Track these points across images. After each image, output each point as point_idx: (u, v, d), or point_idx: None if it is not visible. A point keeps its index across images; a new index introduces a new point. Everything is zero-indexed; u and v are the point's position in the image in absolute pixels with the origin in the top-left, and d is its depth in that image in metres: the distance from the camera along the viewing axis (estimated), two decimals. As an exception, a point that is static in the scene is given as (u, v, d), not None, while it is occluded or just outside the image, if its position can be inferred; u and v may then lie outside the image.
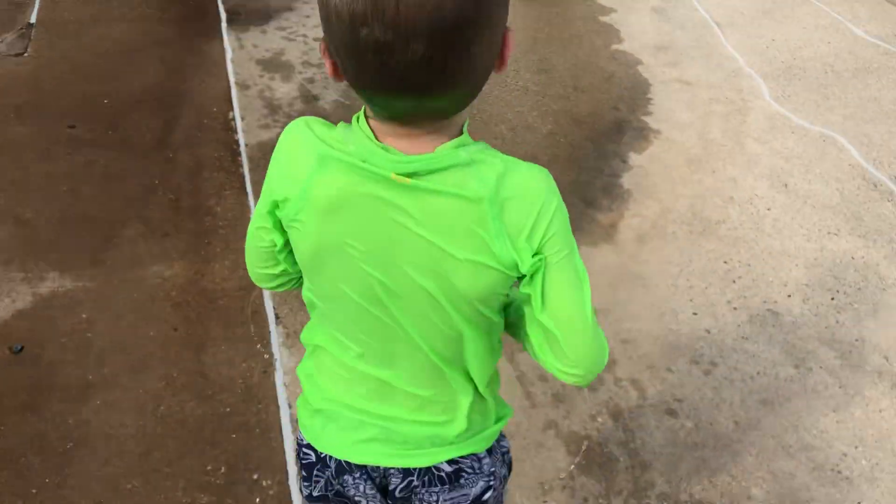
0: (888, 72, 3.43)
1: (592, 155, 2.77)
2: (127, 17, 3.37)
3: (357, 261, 0.79)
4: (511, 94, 3.08)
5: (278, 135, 0.83)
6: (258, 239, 0.89)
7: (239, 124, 2.78)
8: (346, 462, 0.94)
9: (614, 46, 3.48)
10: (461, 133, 0.77)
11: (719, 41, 3.59)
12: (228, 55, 3.19)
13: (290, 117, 2.79)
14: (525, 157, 0.84)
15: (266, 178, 0.83)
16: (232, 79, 3.03)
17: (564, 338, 0.80)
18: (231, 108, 2.89)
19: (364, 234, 0.78)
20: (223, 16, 3.45)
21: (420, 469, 0.93)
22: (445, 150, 0.74)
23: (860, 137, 2.97)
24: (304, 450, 0.98)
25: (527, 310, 0.83)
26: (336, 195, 0.76)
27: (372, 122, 0.75)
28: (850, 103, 3.19)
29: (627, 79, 3.25)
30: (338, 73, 0.72)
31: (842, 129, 3.02)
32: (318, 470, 0.96)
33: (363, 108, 0.76)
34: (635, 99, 3.12)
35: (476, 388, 0.91)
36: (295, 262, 0.88)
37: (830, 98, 3.21)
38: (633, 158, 2.76)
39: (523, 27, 3.55)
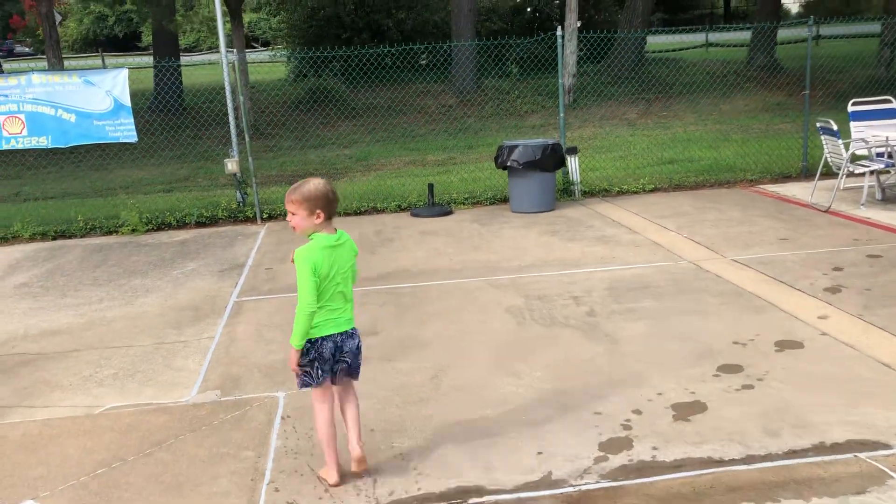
0: None
1: None
2: None
3: (334, 270, 3.22)
4: None
5: None
6: (315, 286, 3.16)
7: None
8: (326, 336, 3.28)
9: None
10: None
11: None
12: None
13: None
14: None
15: (308, 268, 3.14)
16: None
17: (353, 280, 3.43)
18: None
19: (333, 262, 3.22)
20: None
21: (344, 332, 3.33)
22: (339, 232, 3.29)
23: None
24: (312, 342, 3.27)
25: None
26: (328, 254, 3.21)
27: (326, 229, 3.24)
28: None
29: None
30: (318, 216, 3.19)
31: None
32: (316, 347, 3.27)
33: (320, 235, 3.23)
34: None
35: (351, 305, 3.38)
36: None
37: None
38: None
39: None
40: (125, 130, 9.01)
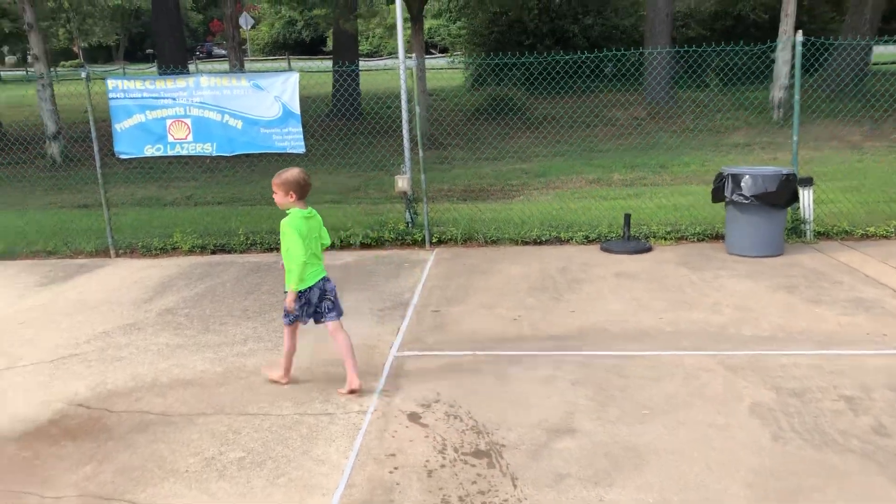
0: None
1: None
2: None
3: (310, 236, 4.43)
4: None
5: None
6: (302, 243, 4.34)
7: None
8: (310, 287, 4.48)
9: None
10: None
11: None
12: None
13: None
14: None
15: (294, 230, 4.35)
16: None
17: (326, 240, 4.68)
18: None
19: (309, 229, 4.43)
20: None
21: (322, 278, 4.55)
22: (310, 209, 4.49)
23: None
24: (297, 294, 4.45)
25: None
26: (304, 222, 4.41)
27: (299, 205, 4.42)
28: None
29: None
30: (291, 196, 4.40)
31: None
32: (305, 295, 4.49)
33: (296, 209, 4.43)
34: None
35: (321, 262, 4.57)
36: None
37: None
38: None
39: None
40: (293, 140, 8.24)
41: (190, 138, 8.21)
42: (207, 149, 8.25)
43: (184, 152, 8.29)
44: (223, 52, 49.53)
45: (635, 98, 18.08)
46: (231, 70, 17.06)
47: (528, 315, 5.96)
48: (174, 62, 17.63)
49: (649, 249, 7.95)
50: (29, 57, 16.58)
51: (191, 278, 7.45)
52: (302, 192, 4.41)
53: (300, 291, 4.45)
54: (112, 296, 6.97)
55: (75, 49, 54.77)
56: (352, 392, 4.54)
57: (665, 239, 8.25)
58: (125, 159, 8.63)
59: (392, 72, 29.97)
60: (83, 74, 8.64)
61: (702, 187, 10.55)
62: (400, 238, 8.60)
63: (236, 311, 6.33)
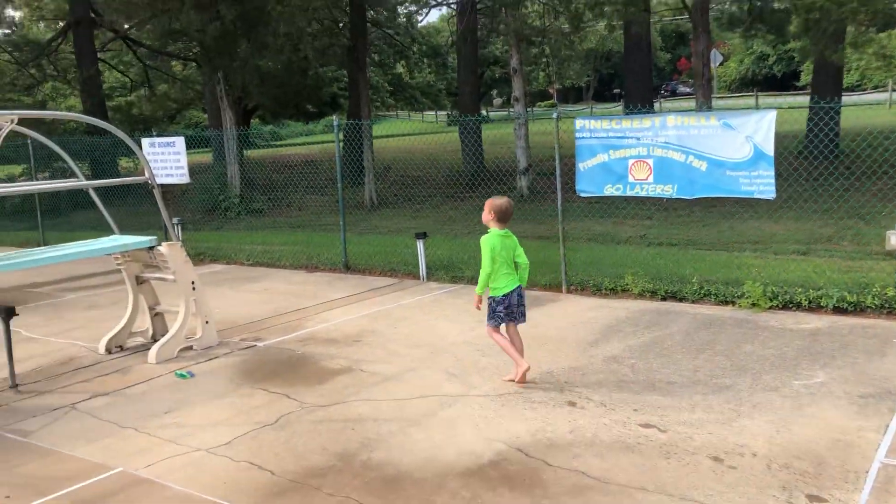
0: None
1: None
2: None
3: (503, 252, 5.57)
4: None
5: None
6: (491, 258, 5.53)
7: None
8: (509, 292, 5.60)
9: None
10: None
11: None
12: None
13: None
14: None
15: (489, 246, 5.55)
16: None
17: (521, 259, 5.65)
18: None
19: (503, 247, 5.58)
20: None
21: (516, 287, 5.63)
22: (506, 230, 5.65)
23: None
24: (501, 298, 5.60)
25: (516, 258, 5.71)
26: (499, 240, 5.58)
27: (498, 226, 5.61)
28: None
29: None
30: (492, 215, 5.61)
31: None
32: (505, 297, 5.60)
33: (495, 228, 5.63)
34: None
35: (517, 274, 5.67)
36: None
37: None
38: None
39: None
40: (762, 184, 7.42)
41: (650, 179, 7.93)
42: (668, 191, 7.89)
43: (643, 193, 8.05)
44: (688, 90, 49.33)
45: None
46: (698, 108, 16.58)
47: None
48: (641, 101, 17.81)
49: None
50: (511, 98, 18.34)
51: (638, 325, 7.13)
52: (502, 216, 5.61)
53: (502, 296, 5.60)
54: (560, 333, 6.99)
55: (551, 90, 59.76)
56: (523, 376, 5.63)
57: None
58: (584, 197, 8.72)
59: (878, 107, 26.43)
60: (554, 115, 8.97)
61: None
62: (887, 306, 7.16)
63: (685, 371, 5.80)
